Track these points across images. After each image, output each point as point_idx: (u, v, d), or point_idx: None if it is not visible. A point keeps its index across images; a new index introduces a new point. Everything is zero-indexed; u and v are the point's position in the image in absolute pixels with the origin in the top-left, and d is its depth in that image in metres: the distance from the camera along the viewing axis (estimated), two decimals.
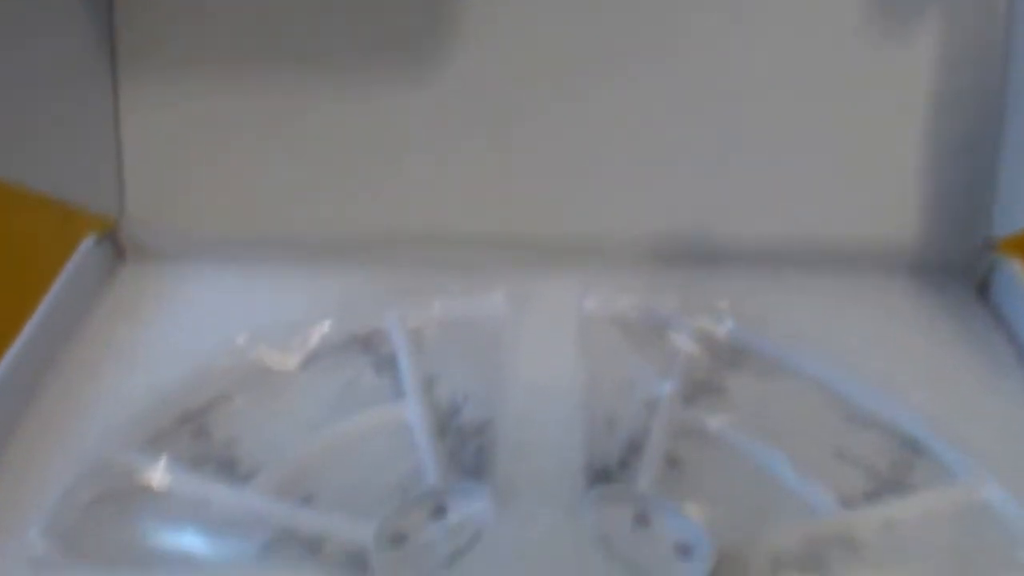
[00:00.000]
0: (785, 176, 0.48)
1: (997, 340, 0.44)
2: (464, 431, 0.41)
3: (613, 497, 0.37)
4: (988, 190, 0.47)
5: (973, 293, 0.47)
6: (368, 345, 0.45)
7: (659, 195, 0.49)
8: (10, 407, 0.40)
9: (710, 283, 0.47)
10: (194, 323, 0.46)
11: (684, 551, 0.35)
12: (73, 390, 0.42)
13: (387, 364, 0.44)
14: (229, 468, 0.39)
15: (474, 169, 0.49)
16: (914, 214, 0.47)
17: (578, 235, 0.49)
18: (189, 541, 0.36)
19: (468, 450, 0.40)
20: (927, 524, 0.36)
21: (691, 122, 0.48)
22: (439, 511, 0.37)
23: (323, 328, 0.45)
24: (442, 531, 0.36)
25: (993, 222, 0.47)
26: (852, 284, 0.47)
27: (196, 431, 0.41)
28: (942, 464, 0.39)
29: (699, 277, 0.47)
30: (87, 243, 0.48)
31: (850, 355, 0.43)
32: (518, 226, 0.49)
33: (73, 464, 0.38)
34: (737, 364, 0.44)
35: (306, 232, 0.49)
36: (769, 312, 0.45)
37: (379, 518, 0.36)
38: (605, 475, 0.38)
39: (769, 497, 0.38)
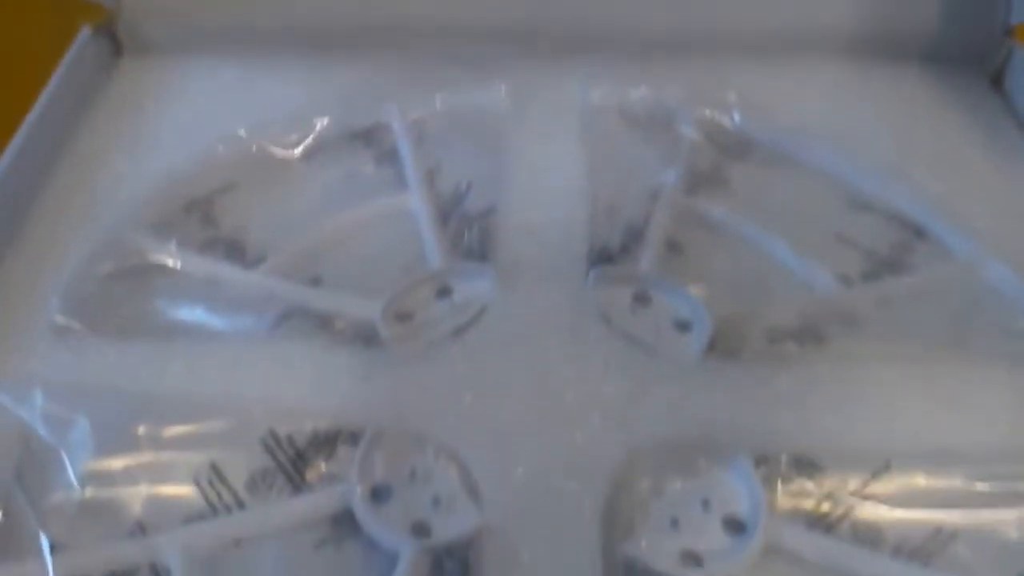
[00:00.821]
0: None
1: (1008, 128, 0.44)
2: (468, 218, 0.41)
3: (614, 277, 0.38)
4: None
5: (987, 83, 0.46)
6: (369, 140, 0.45)
7: None
8: (20, 192, 0.40)
9: (719, 73, 0.46)
10: (195, 116, 0.45)
11: (683, 326, 0.36)
12: (80, 178, 0.42)
13: (389, 157, 0.44)
14: (238, 253, 0.40)
15: None
16: (929, 1, 0.46)
17: (582, 26, 0.47)
18: (202, 316, 0.37)
19: (472, 235, 0.40)
20: (926, 300, 0.37)
21: None
22: (444, 291, 0.38)
23: (324, 121, 0.45)
24: (447, 308, 0.37)
25: (1011, 10, 0.45)
26: (864, 73, 0.46)
27: (203, 218, 0.41)
28: (943, 245, 0.39)
29: (707, 67, 0.46)
30: (83, 35, 0.47)
31: (856, 143, 0.42)
32: (520, 18, 0.47)
33: (86, 243, 0.39)
34: (742, 155, 0.44)
35: (305, 24, 0.48)
36: (777, 102, 0.44)
37: (386, 296, 0.37)
38: (606, 258, 0.39)
39: (768, 278, 0.38)
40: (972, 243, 0.38)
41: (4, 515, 0.31)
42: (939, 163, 0.41)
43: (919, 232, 0.40)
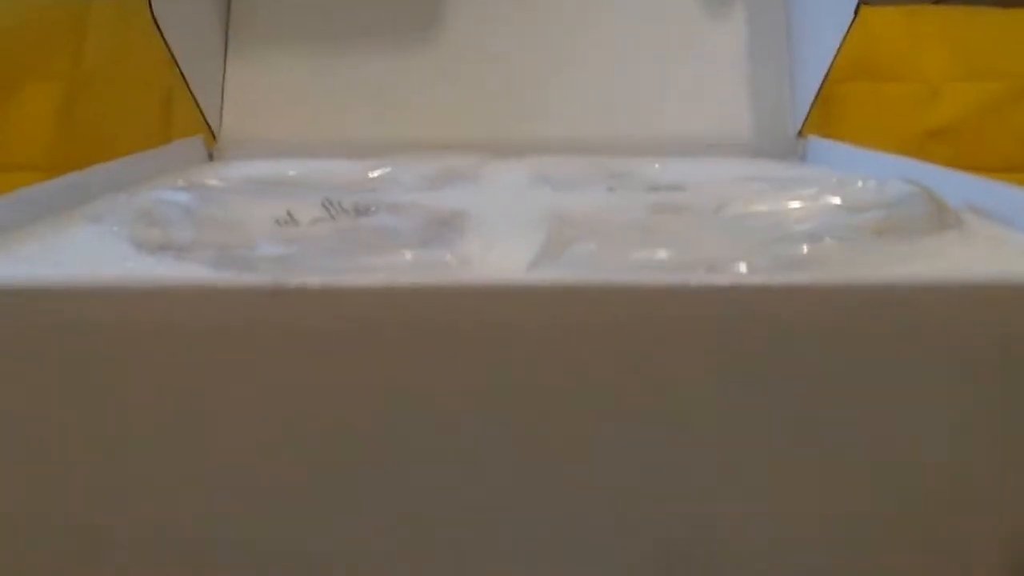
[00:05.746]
0: (667, 99, 0.74)
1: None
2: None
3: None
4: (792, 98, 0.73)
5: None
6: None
7: (579, 114, 0.74)
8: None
9: (622, 163, 0.69)
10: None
11: None
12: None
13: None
14: None
15: (452, 101, 0.74)
16: (750, 118, 0.72)
17: (523, 139, 0.72)
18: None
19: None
20: None
21: (598, 74, 0.75)
22: None
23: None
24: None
25: (797, 119, 0.72)
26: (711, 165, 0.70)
27: None
28: None
29: (616, 163, 0.69)
30: (196, 137, 0.70)
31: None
32: (485, 135, 0.73)
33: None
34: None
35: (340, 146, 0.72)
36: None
37: None
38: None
39: None
40: None
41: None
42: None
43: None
